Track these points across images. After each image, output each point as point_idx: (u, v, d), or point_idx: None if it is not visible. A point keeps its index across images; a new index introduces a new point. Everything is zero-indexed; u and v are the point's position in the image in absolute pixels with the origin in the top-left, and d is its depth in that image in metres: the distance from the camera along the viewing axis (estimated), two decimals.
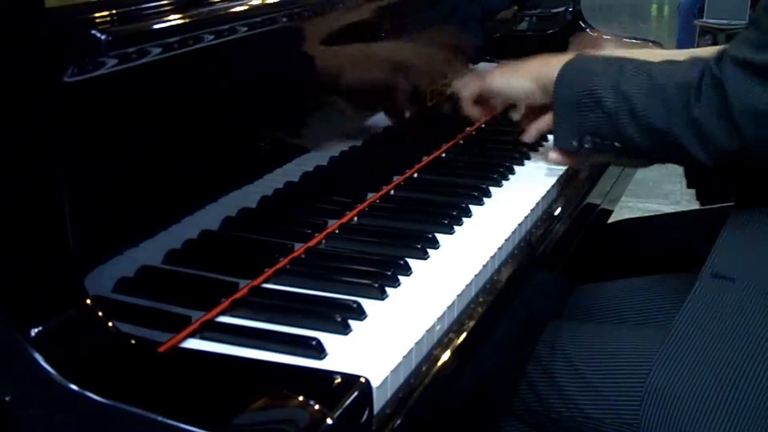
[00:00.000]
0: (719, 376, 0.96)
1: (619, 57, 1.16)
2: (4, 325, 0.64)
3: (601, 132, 1.09)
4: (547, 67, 1.18)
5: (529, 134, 1.29)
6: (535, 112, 1.27)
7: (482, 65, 1.58)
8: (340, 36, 1.09)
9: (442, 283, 0.90)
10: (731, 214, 1.09)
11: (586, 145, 1.12)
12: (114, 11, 0.73)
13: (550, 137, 1.21)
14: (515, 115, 1.31)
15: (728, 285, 1.02)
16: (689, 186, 1.23)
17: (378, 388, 0.71)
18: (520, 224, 1.07)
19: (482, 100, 1.31)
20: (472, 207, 1.11)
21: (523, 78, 1.22)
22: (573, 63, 1.15)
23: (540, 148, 1.34)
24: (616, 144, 1.09)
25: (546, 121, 1.26)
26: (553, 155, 1.20)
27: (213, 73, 0.87)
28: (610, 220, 1.51)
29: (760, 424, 0.94)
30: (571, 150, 1.15)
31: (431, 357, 0.81)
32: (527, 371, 1.08)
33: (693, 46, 5.06)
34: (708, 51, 1.07)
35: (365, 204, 1.12)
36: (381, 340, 0.80)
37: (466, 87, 1.31)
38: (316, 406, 0.63)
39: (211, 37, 0.84)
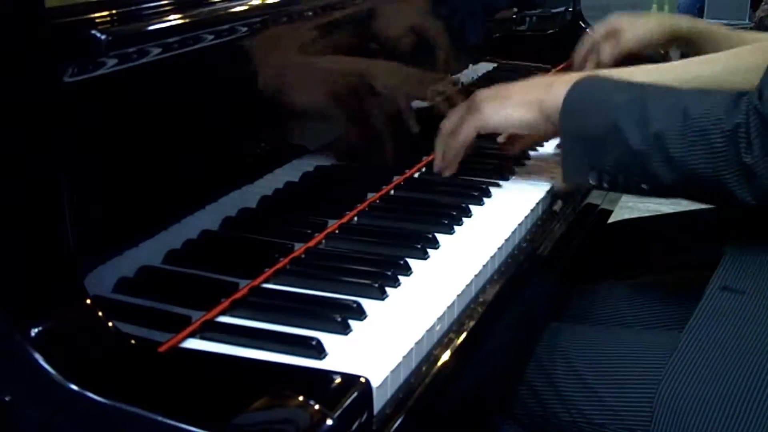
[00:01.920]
0: (731, 388, 0.94)
1: (637, 83, 1.07)
2: (4, 325, 0.64)
3: (625, 171, 1.01)
4: (551, 93, 1.07)
5: (515, 146, 1.25)
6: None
7: (482, 65, 1.58)
8: (340, 36, 1.09)
9: (442, 283, 0.90)
10: (735, 224, 1.07)
11: (605, 184, 1.05)
12: (114, 11, 0.73)
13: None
14: (510, 149, 1.27)
15: (738, 297, 1.00)
16: None
17: (378, 388, 0.71)
18: (520, 224, 1.07)
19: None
20: (472, 207, 1.11)
21: (524, 108, 1.11)
22: (580, 88, 1.06)
23: (527, 161, 1.33)
24: (643, 186, 1.02)
25: (531, 137, 1.21)
26: (560, 185, 1.15)
27: (213, 73, 0.87)
28: (610, 220, 1.51)
29: None
30: (585, 186, 1.09)
31: (431, 357, 0.81)
32: (527, 374, 1.08)
33: None
34: (741, 58, 1.04)
35: (365, 204, 1.12)
36: (381, 340, 0.80)
37: (462, 129, 1.16)
38: (316, 406, 0.63)
39: (211, 37, 0.84)
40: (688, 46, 1.52)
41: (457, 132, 1.17)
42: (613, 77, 1.12)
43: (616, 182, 1.03)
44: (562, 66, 1.71)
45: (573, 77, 1.09)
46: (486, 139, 1.36)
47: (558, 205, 1.19)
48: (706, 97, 0.99)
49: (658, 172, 0.98)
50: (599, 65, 1.50)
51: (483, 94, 1.17)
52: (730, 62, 1.28)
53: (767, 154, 0.92)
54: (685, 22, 1.54)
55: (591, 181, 1.05)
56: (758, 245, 1.03)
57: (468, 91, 1.46)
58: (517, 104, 1.12)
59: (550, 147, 1.34)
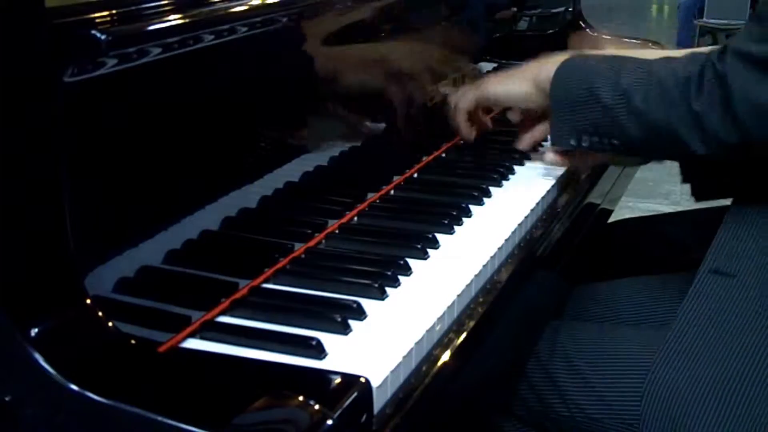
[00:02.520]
0: (721, 371, 0.96)
1: (618, 55, 1.16)
2: (4, 325, 0.64)
3: (600, 129, 1.09)
4: (544, 68, 1.17)
5: (524, 142, 1.29)
6: (530, 120, 1.27)
7: (482, 65, 1.58)
8: (339, 36, 1.09)
9: (442, 283, 0.90)
10: (729, 210, 1.09)
11: (584, 144, 1.12)
12: (114, 11, 0.73)
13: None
14: (514, 117, 1.31)
15: (728, 281, 1.02)
16: (684, 181, 1.23)
17: (378, 388, 0.71)
18: (520, 224, 1.07)
19: (475, 115, 1.30)
20: (472, 207, 1.11)
21: (520, 82, 1.21)
22: (569, 62, 1.15)
23: (540, 148, 1.34)
24: (614, 141, 1.09)
25: (541, 130, 1.27)
26: (551, 156, 1.20)
27: (213, 73, 0.87)
28: (610, 220, 1.51)
29: (762, 420, 0.94)
30: (569, 149, 1.15)
31: (431, 357, 0.81)
32: (527, 371, 1.08)
33: (693, 46, 5.05)
34: (708, 49, 1.07)
35: (365, 204, 1.12)
36: (381, 340, 0.80)
37: (464, 97, 1.29)
38: (316, 406, 0.63)
39: (211, 37, 0.84)
40: None
41: (460, 101, 1.28)
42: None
43: (593, 141, 1.11)
44: None
45: (566, 55, 1.17)
46: (486, 139, 1.37)
47: (558, 206, 1.19)
48: (672, 59, 1.07)
49: (625, 125, 1.06)
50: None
51: (487, 75, 1.31)
52: None
53: (715, 104, 0.97)
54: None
55: (572, 143, 1.12)
56: (747, 230, 1.04)
57: None
58: (514, 79, 1.23)
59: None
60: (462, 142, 1.34)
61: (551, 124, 1.15)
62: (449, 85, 1.40)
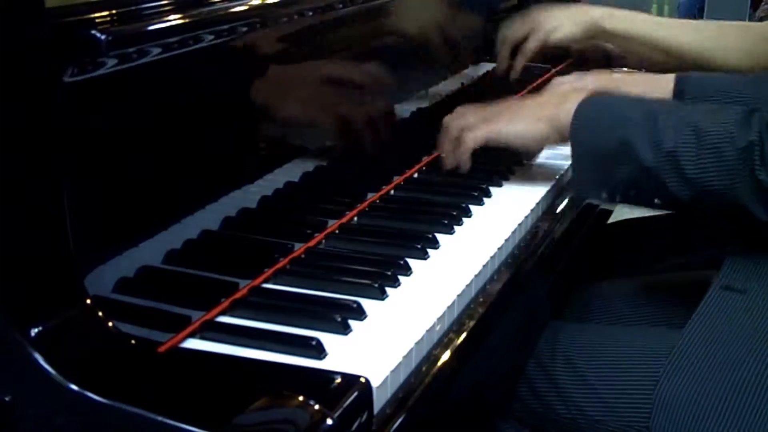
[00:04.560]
0: (732, 385, 0.95)
1: (643, 98, 1.09)
2: (4, 325, 0.64)
3: (639, 187, 1.02)
4: (563, 109, 1.08)
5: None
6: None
7: (482, 65, 1.58)
8: (339, 36, 1.09)
9: (442, 283, 0.90)
10: (737, 226, 1.08)
11: (618, 199, 1.06)
12: (114, 11, 0.73)
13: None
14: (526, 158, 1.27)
15: (739, 297, 1.00)
16: None
17: (378, 388, 0.71)
18: (520, 224, 1.07)
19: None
20: (472, 207, 1.11)
21: (536, 123, 1.13)
22: (590, 104, 1.07)
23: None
24: (657, 200, 1.03)
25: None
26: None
27: (213, 73, 0.87)
28: (610, 220, 1.51)
29: None
30: (597, 201, 1.10)
31: (431, 357, 0.81)
32: (527, 372, 1.08)
33: None
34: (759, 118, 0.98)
35: (365, 204, 1.12)
36: (381, 340, 0.80)
37: (472, 134, 1.16)
38: (316, 406, 0.63)
39: (211, 37, 0.84)
40: (609, 41, 1.51)
41: (465, 138, 1.17)
42: (622, 93, 1.14)
43: (628, 196, 1.04)
44: (562, 66, 1.71)
45: (583, 93, 1.10)
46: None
47: (558, 206, 1.19)
48: (717, 114, 1.00)
49: (672, 189, 0.99)
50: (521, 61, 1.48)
51: (496, 107, 1.19)
52: (713, 35, 1.32)
53: None
54: (607, 21, 1.44)
55: (604, 196, 1.06)
56: (760, 246, 1.03)
57: (468, 92, 1.47)
58: (529, 120, 1.14)
59: (550, 147, 1.34)
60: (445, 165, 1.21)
61: (576, 174, 1.08)
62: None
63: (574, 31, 1.44)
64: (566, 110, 1.07)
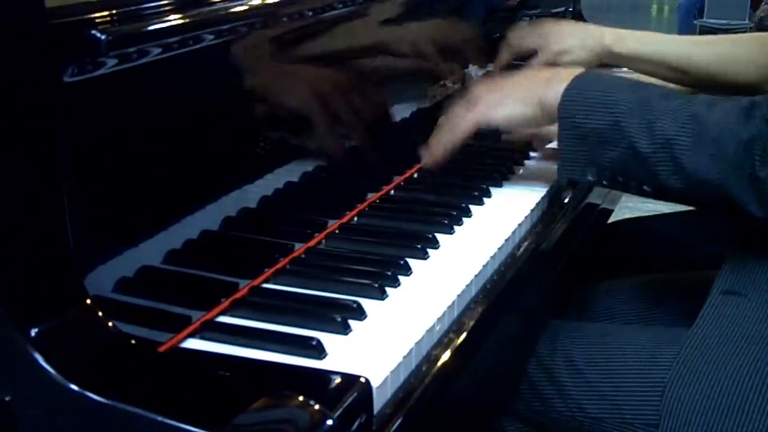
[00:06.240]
0: (738, 389, 0.94)
1: (637, 81, 1.06)
2: (4, 325, 0.64)
3: (628, 172, 0.99)
4: (552, 88, 1.05)
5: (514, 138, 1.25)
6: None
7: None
8: (339, 35, 1.09)
9: (442, 283, 0.90)
10: (736, 228, 1.07)
11: (604, 182, 1.02)
12: (114, 11, 0.73)
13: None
14: (513, 137, 1.27)
15: (740, 300, 1.00)
16: None
17: (378, 388, 0.71)
18: (520, 224, 1.07)
19: None
20: (472, 207, 1.11)
21: (524, 105, 1.09)
22: (580, 84, 1.03)
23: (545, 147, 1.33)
24: (646, 188, 1.00)
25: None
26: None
27: (213, 73, 0.87)
28: (610, 220, 1.51)
29: None
30: (583, 183, 1.07)
31: (431, 357, 0.81)
32: (528, 371, 1.08)
33: None
34: (761, 99, 0.94)
35: (365, 204, 1.12)
36: (381, 340, 0.80)
37: (463, 121, 1.13)
38: (316, 406, 0.63)
39: (211, 37, 0.84)
40: (620, 64, 1.47)
41: (455, 127, 1.14)
42: (613, 73, 1.11)
43: (616, 180, 1.02)
44: None
45: (573, 72, 1.07)
46: (486, 139, 1.36)
47: (558, 206, 1.19)
48: (716, 105, 0.97)
49: (665, 178, 0.97)
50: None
51: (481, 88, 1.15)
52: (727, 49, 1.29)
53: None
54: (617, 45, 1.41)
55: (589, 178, 1.03)
56: (759, 250, 1.03)
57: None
58: (517, 100, 1.10)
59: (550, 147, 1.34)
60: (429, 162, 1.18)
61: (561, 154, 1.04)
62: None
63: (584, 57, 1.41)
64: (555, 90, 1.04)
